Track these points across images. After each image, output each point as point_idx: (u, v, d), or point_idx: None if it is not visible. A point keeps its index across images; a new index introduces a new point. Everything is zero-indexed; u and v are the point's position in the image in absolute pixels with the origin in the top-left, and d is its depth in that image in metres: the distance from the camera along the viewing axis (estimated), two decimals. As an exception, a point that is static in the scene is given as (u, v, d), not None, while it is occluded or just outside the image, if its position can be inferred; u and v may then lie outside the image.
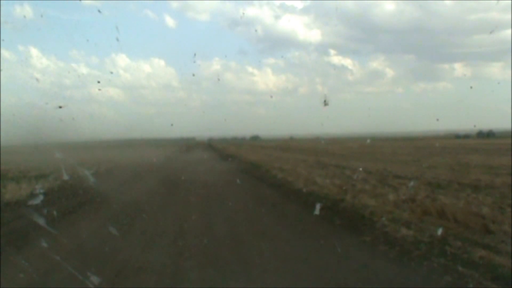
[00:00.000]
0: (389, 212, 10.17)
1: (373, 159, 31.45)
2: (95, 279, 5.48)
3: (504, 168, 20.50)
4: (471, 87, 70.89)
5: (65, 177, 19.02)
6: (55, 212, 10.44)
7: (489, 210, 9.75)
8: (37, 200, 12.82)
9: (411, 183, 14.94)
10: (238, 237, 8.57)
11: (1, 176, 20.50)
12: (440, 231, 7.80)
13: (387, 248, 7.42)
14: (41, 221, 8.32)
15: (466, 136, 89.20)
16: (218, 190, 16.56)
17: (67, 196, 14.70)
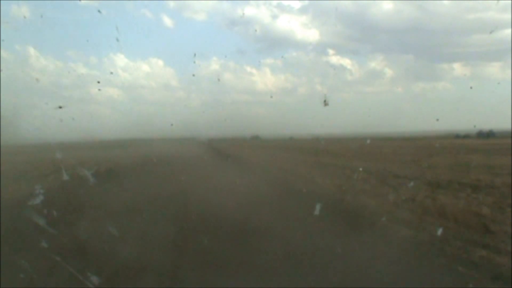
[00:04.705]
0: (389, 212, 10.18)
1: (373, 159, 31.44)
2: (95, 279, 5.48)
3: (504, 168, 20.49)
4: (471, 87, 70.92)
5: (65, 177, 19.03)
6: (55, 212, 10.43)
7: (489, 210, 9.76)
8: (37, 200, 12.82)
9: (411, 183, 14.95)
10: (238, 238, 8.56)
11: (1, 175, 20.50)
12: (440, 231, 7.80)
13: (387, 248, 7.42)
14: (41, 221, 8.31)
15: (466, 136, 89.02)
16: (219, 190, 16.53)
17: (67, 196, 14.69)
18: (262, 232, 8.90)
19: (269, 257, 6.99)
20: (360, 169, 22.35)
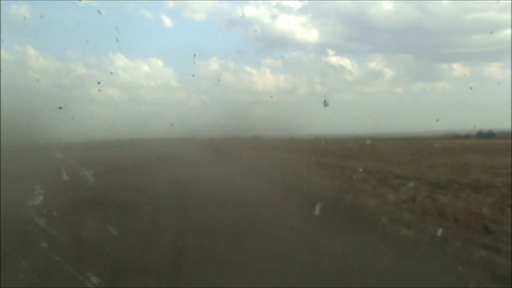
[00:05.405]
0: (389, 212, 10.18)
1: (373, 159, 31.42)
2: (95, 279, 5.48)
3: (504, 168, 20.48)
4: (471, 88, 70.90)
5: (65, 177, 18.97)
6: (55, 213, 10.42)
7: (489, 210, 9.76)
8: (37, 200, 12.80)
9: (411, 183, 14.95)
10: (239, 237, 8.56)
11: (1, 176, 20.47)
12: (440, 231, 7.80)
13: (387, 248, 7.42)
14: (41, 221, 8.31)
15: (466, 136, 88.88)
16: (218, 190, 16.51)
17: (67, 196, 14.66)
18: (261, 232, 8.91)
19: (266, 256, 6.98)
20: (360, 169, 22.34)
